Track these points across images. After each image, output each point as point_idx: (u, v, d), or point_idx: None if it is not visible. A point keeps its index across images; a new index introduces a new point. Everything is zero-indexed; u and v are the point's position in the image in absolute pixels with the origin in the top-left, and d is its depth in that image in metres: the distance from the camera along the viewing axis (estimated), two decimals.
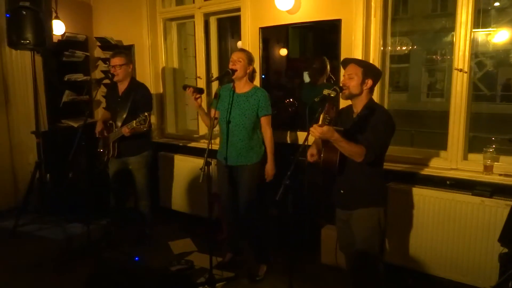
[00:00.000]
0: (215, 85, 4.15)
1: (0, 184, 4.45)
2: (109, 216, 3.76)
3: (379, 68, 2.76)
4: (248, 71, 2.93)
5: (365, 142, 2.12)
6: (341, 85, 2.25)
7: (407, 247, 2.92)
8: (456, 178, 2.81)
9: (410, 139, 7.29)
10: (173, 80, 4.67)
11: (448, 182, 2.83)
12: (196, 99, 2.90)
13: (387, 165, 2.58)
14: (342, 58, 2.98)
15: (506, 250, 2.35)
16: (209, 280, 2.86)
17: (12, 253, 3.52)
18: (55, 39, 4.10)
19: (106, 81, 3.59)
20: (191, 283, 2.90)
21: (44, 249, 3.57)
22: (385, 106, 3.13)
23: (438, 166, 2.95)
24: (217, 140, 3.86)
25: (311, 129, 2.02)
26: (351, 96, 2.26)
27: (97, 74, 4.97)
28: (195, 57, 4.30)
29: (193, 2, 4.24)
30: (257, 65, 3.42)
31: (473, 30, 2.77)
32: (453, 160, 2.90)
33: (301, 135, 3.45)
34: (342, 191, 2.35)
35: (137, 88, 3.46)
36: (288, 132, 3.51)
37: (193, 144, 4.27)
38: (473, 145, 2.99)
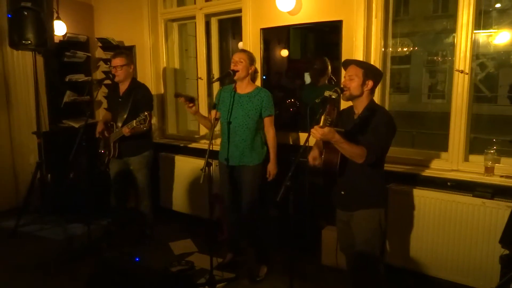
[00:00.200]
0: (216, 86, 4.16)
1: (1, 184, 4.46)
2: (109, 216, 3.77)
3: (380, 69, 2.75)
4: (250, 71, 2.93)
5: (366, 143, 2.12)
6: (342, 86, 2.25)
7: (408, 248, 2.91)
8: (457, 180, 2.80)
9: (411, 140, 7.28)
10: (174, 80, 4.67)
11: (449, 184, 2.83)
12: (189, 107, 2.89)
13: (388, 166, 2.58)
14: (343, 59, 2.98)
15: (507, 251, 2.35)
16: (210, 281, 2.86)
17: (13, 253, 3.52)
18: (56, 40, 4.10)
19: (107, 81, 3.60)
20: (191, 284, 2.90)
21: (45, 249, 3.58)
22: (386, 107, 3.13)
23: (439, 167, 2.95)
24: (218, 141, 3.88)
25: (312, 130, 2.02)
26: (351, 98, 2.26)
27: (98, 75, 4.98)
28: (196, 58, 4.30)
29: (195, 3, 4.24)
30: (258, 66, 3.42)
31: (474, 31, 2.77)
32: (454, 161, 2.89)
33: (302, 136, 3.45)
34: (342, 192, 2.35)
35: (137, 88, 3.46)
36: (289, 133, 3.51)
37: (194, 145, 4.27)
38: (474, 146, 2.99)
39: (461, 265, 2.71)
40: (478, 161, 2.82)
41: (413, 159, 3.06)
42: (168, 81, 4.61)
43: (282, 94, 3.55)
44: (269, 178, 2.98)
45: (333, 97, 2.11)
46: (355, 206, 2.31)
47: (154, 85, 4.47)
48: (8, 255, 3.48)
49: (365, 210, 2.28)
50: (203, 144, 4.16)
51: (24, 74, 4.38)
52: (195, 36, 4.29)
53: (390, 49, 3.22)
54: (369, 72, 2.24)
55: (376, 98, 2.90)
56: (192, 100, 2.90)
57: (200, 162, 3.77)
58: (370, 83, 2.23)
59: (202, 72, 4.22)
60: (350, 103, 2.36)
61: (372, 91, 2.27)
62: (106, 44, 4.67)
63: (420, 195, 2.85)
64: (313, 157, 2.32)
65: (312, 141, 2.36)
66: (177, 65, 4.66)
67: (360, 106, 2.28)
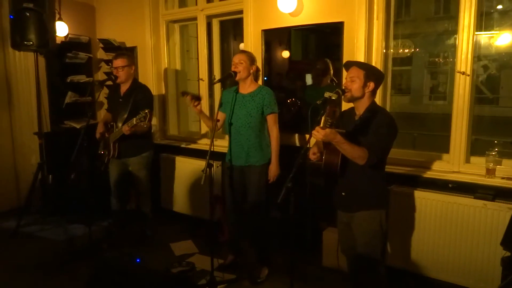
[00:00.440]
0: (217, 87, 4.16)
1: (3, 184, 4.47)
2: (110, 217, 3.76)
3: (382, 70, 2.75)
4: (251, 71, 2.94)
5: (367, 144, 2.11)
6: (343, 87, 2.25)
7: (409, 250, 2.91)
8: (458, 181, 2.80)
9: (412, 141, 7.28)
10: (176, 81, 4.68)
11: (450, 185, 2.83)
12: (195, 106, 2.91)
13: (389, 168, 2.57)
14: (344, 60, 2.98)
15: (508, 253, 2.34)
16: (210, 282, 2.86)
17: (14, 253, 3.53)
18: (58, 41, 4.11)
19: (109, 82, 3.60)
20: (192, 285, 2.90)
21: (46, 249, 3.58)
22: (387, 108, 3.13)
23: (440, 169, 2.94)
24: (219, 142, 3.89)
25: (314, 131, 2.02)
26: (353, 99, 2.26)
27: (100, 76, 4.99)
28: (198, 59, 4.31)
29: (196, 4, 4.25)
30: (259, 67, 3.43)
31: (476, 33, 2.77)
32: (455, 163, 2.89)
33: (303, 138, 3.45)
34: (343, 194, 2.35)
35: (138, 89, 3.46)
36: (291, 134, 3.51)
37: (195, 146, 4.27)
38: (476, 148, 2.98)
39: (462, 267, 2.70)
40: (479, 162, 2.82)
41: (414, 161, 3.06)
42: (169, 82, 4.62)
43: (283, 95, 3.56)
44: (270, 180, 2.97)
45: (333, 98, 2.11)
46: (355, 207, 2.30)
47: (155, 86, 4.48)
48: (9, 255, 3.49)
49: (365, 211, 2.28)
50: (204, 145, 4.16)
51: (26, 75, 4.39)
52: (197, 37, 4.30)
53: (392, 50, 3.22)
54: (371, 73, 2.24)
55: (378, 99, 2.89)
56: (198, 98, 2.92)
57: (201, 163, 3.79)
58: (371, 85, 2.23)
59: (203, 73, 4.22)
60: (351, 105, 2.36)
61: (373, 93, 2.27)
62: (108, 45, 4.68)
63: (421, 196, 2.84)
64: (313, 152, 2.31)
65: (312, 142, 2.36)
66: (178, 66, 4.67)
67: (361, 108, 2.28)
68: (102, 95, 4.68)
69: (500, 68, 14.70)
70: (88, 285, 2.47)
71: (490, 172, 2.71)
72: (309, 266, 3.22)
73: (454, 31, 2.94)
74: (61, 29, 4.36)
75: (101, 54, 4.94)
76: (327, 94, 2.12)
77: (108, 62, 4.73)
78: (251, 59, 2.94)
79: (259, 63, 3.49)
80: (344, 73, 2.41)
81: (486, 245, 2.60)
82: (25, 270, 3.21)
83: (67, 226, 4.01)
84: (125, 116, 3.33)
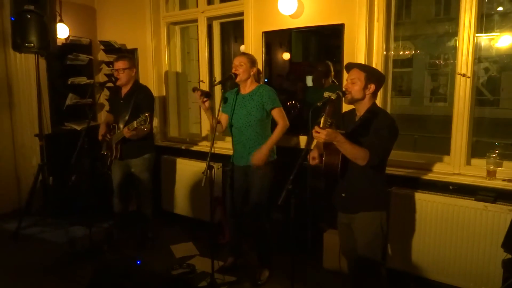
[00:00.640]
0: (218, 89, 4.16)
1: (4, 186, 4.47)
2: (111, 219, 3.76)
3: (382, 72, 2.76)
4: (251, 73, 2.94)
5: (368, 145, 2.11)
6: (343, 89, 2.25)
7: (410, 252, 2.90)
8: (459, 183, 2.80)
9: (413, 143, 7.28)
10: (176, 83, 4.68)
11: (451, 187, 2.82)
12: (203, 102, 2.91)
13: (389, 170, 2.57)
14: (345, 62, 2.99)
15: (509, 256, 2.34)
16: (211, 284, 2.86)
17: (14, 255, 3.53)
18: (59, 43, 4.12)
19: (110, 84, 3.60)
20: (192, 287, 2.90)
21: (46, 251, 3.58)
22: (388, 110, 3.13)
23: (441, 171, 2.94)
24: (220, 144, 3.89)
25: (314, 133, 2.02)
26: (353, 101, 2.26)
27: (101, 78, 4.99)
28: (198, 61, 4.31)
29: (197, 6, 4.25)
30: (260, 69, 3.44)
31: (476, 34, 2.77)
32: (456, 165, 2.89)
33: (304, 140, 3.45)
34: (343, 195, 2.34)
35: (139, 90, 3.47)
36: (291, 136, 3.51)
37: (195, 148, 4.27)
38: (476, 150, 2.98)
39: (463, 269, 2.70)
40: (480, 164, 2.82)
41: (415, 163, 3.05)
42: (170, 84, 4.62)
43: (284, 97, 3.55)
44: (252, 161, 2.90)
45: (332, 98, 2.11)
46: (356, 208, 2.30)
47: (156, 88, 4.48)
48: (9, 257, 3.49)
49: (366, 212, 2.28)
50: (204, 147, 4.17)
51: (27, 77, 4.39)
52: (197, 39, 4.30)
53: (392, 52, 3.22)
54: (371, 75, 2.24)
55: (378, 101, 2.89)
56: (208, 95, 2.92)
57: (201, 165, 3.79)
58: (372, 87, 2.23)
59: (204, 75, 4.23)
60: (352, 106, 2.36)
61: (374, 95, 2.27)
62: (109, 47, 4.69)
63: (422, 198, 2.84)
64: (313, 157, 2.31)
65: (313, 144, 2.36)
66: (179, 68, 4.67)
67: (362, 109, 2.28)
68: (102, 97, 4.68)
69: (500, 70, 14.71)
70: (88, 287, 2.47)
71: (491, 174, 2.70)
72: (309, 268, 3.21)
73: (455, 33, 2.94)
74: (62, 31, 4.37)
75: (101, 56, 4.95)
76: (326, 94, 2.12)
77: (109, 64, 4.74)
78: (252, 61, 2.94)
79: (260, 65, 3.49)
80: (345, 75, 2.41)
81: (487, 247, 2.60)
82: (25, 272, 3.21)
83: (68, 228, 4.01)
84: (127, 117, 3.34)
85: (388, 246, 2.96)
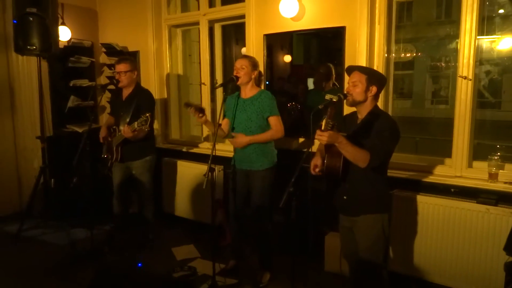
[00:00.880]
0: (219, 91, 4.17)
1: (5, 188, 4.47)
2: (112, 221, 3.77)
3: (384, 74, 2.75)
4: (253, 76, 2.94)
5: (369, 147, 2.11)
6: (345, 92, 2.25)
7: (411, 255, 2.90)
8: (461, 186, 2.79)
9: (414, 146, 7.26)
10: (178, 86, 4.69)
11: (452, 190, 2.82)
12: (200, 117, 2.91)
13: (391, 172, 2.57)
14: (346, 65, 2.99)
15: (511, 258, 2.33)
16: (212, 287, 2.85)
17: (16, 257, 3.53)
18: (61, 45, 4.13)
19: (111, 87, 3.62)
20: None
21: (48, 253, 3.58)
22: (389, 112, 3.13)
23: (442, 173, 2.94)
24: (221, 146, 3.89)
25: (317, 136, 2.02)
26: (355, 103, 2.26)
27: (102, 80, 5.00)
28: (200, 63, 4.32)
29: (198, 9, 4.27)
30: (261, 71, 3.44)
31: (478, 37, 2.77)
32: (457, 167, 2.88)
33: (305, 142, 3.45)
34: (345, 197, 2.34)
35: (141, 93, 3.48)
36: (292, 138, 3.51)
37: (197, 150, 4.28)
38: (478, 152, 2.97)
39: (465, 272, 2.69)
40: (482, 167, 2.81)
41: (416, 165, 3.05)
42: (171, 86, 4.63)
43: (285, 99, 3.56)
44: (231, 142, 2.92)
45: (334, 100, 2.12)
46: (357, 211, 2.29)
47: (157, 91, 4.49)
48: (10, 259, 3.49)
49: (368, 215, 2.27)
50: (206, 150, 4.17)
51: (29, 79, 4.41)
52: (199, 42, 4.31)
53: (393, 54, 3.22)
54: (373, 78, 2.24)
55: (380, 103, 2.89)
56: (202, 110, 2.92)
57: (203, 168, 3.78)
58: (373, 89, 2.23)
59: (206, 77, 4.23)
60: (354, 109, 2.36)
61: (376, 97, 2.27)
62: (110, 50, 4.70)
63: (424, 201, 2.83)
64: (314, 165, 2.29)
65: (314, 147, 2.36)
66: (180, 71, 4.68)
67: (364, 112, 2.28)
68: (104, 99, 4.69)
69: (502, 72, 14.70)
70: None
71: (492, 177, 2.70)
72: (311, 271, 3.21)
73: (456, 36, 2.94)
74: (64, 34, 4.38)
75: (103, 58, 4.96)
76: (328, 96, 2.13)
77: (110, 66, 4.75)
78: (253, 64, 2.94)
79: (261, 67, 3.49)
80: (346, 77, 2.41)
81: (489, 250, 2.59)
82: (26, 274, 3.21)
83: (69, 230, 4.01)
84: (128, 119, 3.34)
85: (390, 249, 2.95)
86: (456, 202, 2.72)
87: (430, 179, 2.92)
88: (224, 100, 3.00)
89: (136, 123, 3.06)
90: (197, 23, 4.26)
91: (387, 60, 3.16)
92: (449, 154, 2.95)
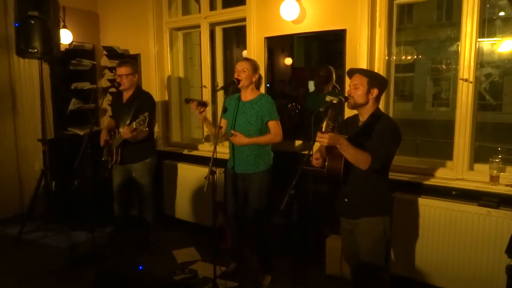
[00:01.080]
0: (220, 94, 4.18)
1: (6, 191, 4.48)
2: (113, 223, 3.76)
3: (384, 77, 2.76)
4: (253, 79, 2.95)
5: (371, 149, 2.11)
6: (346, 95, 2.25)
7: (413, 258, 2.89)
8: (462, 189, 2.79)
9: (415, 148, 7.26)
10: (179, 89, 4.69)
11: (454, 193, 2.82)
12: (200, 112, 2.91)
13: (392, 175, 2.56)
14: (347, 67, 2.99)
15: None
16: None
17: (17, 260, 3.53)
18: (62, 48, 4.15)
19: (112, 89, 3.62)
20: None
21: (49, 256, 3.58)
22: (390, 115, 3.13)
23: (443, 176, 2.93)
24: (222, 149, 3.89)
25: (318, 138, 2.02)
26: (356, 106, 2.26)
27: (104, 83, 5.01)
28: (201, 66, 4.33)
29: (199, 12, 4.28)
30: (262, 74, 3.44)
31: (478, 39, 2.77)
32: (458, 170, 2.88)
33: (306, 145, 3.45)
34: (346, 200, 2.34)
35: (141, 96, 3.48)
36: (293, 141, 3.51)
37: (198, 153, 4.28)
38: (479, 155, 2.97)
39: (467, 275, 2.68)
40: (483, 170, 2.81)
41: (417, 168, 3.05)
42: (172, 89, 4.64)
43: (286, 101, 3.57)
44: (232, 139, 2.91)
45: (334, 102, 2.12)
46: (359, 214, 2.29)
47: (158, 93, 4.50)
48: (11, 262, 3.49)
49: (369, 218, 2.27)
50: (207, 152, 4.17)
51: (30, 82, 4.42)
52: (200, 45, 4.32)
53: (394, 57, 3.23)
54: (374, 80, 2.25)
55: (381, 106, 2.88)
56: (204, 105, 2.93)
57: (203, 170, 3.79)
58: (375, 92, 2.23)
59: (207, 80, 4.24)
60: (355, 112, 2.36)
61: (377, 99, 2.28)
62: (112, 53, 4.72)
63: (425, 204, 2.83)
64: (316, 158, 2.30)
65: (315, 149, 2.36)
66: (181, 74, 4.69)
67: (365, 114, 2.28)
68: (105, 102, 4.70)
69: (503, 74, 14.70)
70: None
71: (494, 179, 2.69)
72: (311, 274, 3.20)
73: (457, 38, 2.95)
74: (66, 37, 4.40)
75: (104, 61, 4.97)
76: (328, 98, 2.13)
77: (111, 69, 4.76)
78: (254, 68, 2.94)
79: (262, 70, 3.50)
80: (347, 80, 2.41)
81: (491, 253, 2.58)
82: (27, 277, 3.20)
83: (70, 233, 4.01)
84: (128, 122, 3.34)
85: (391, 251, 2.94)
86: (458, 204, 2.72)
87: (431, 181, 2.91)
88: (224, 106, 3.00)
89: (134, 122, 3.06)
90: (198, 26, 4.28)
91: (388, 63, 3.16)
92: (450, 157, 2.95)
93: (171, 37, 4.56)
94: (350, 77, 2.33)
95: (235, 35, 5.14)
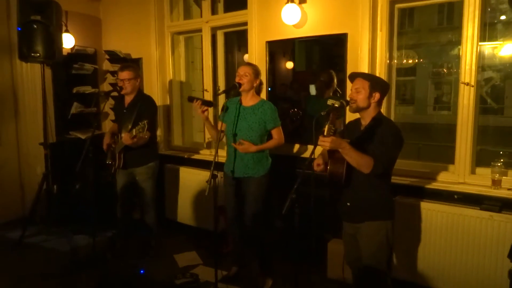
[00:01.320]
0: (222, 98, 4.18)
1: (8, 194, 4.49)
2: (115, 227, 3.76)
3: (386, 81, 2.76)
4: (254, 84, 2.95)
5: (373, 153, 2.11)
6: (348, 99, 2.26)
7: (415, 262, 2.88)
8: (464, 193, 2.78)
9: (417, 152, 7.24)
10: (180, 92, 4.71)
11: (456, 196, 2.81)
12: (203, 111, 2.91)
13: (394, 179, 2.56)
14: (348, 71, 3.00)
15: None
16: None
17: (18, 264, 3.53)
18: (64, 52, 4.16)
19: (114, 93, 3.63)
20: None
21: (50, 259, 3.58)
22: (392, 119, 3.12)
23: (445, 180, 2.93)
24: (223, 153, 3.88)
25: (320, 141, 2.02)
26: (358, 109, 2.26)
27: (105, 87, 5.03)
28: (202, 70, 4.34)
29: (201, 16, 4.29)
30: (263, 78, 3.44)
31: (480, 43, 2.77)
32: (460, 174, 2.87)
33: (307, 148, 3.45)
34: (348, 204, 2.33)
35: (142, 100, 3.49)
36: (294, 144, 3.51)
37: (199, 157, 4.28)
38: (481, 158, 2.96)
39: (469, 279, 2.67)
40: (485, 173, 2.80)
41: (419, 172, 3.04)
42: (174, 93, 4.65)
43: (287, 105, 3.57)
44: (238, 147, 2.89)
45: (336, 105, 2.12)
46: (361, 218, 2.29)
47: (160, 97, 4.51)
48: (13, 266, 3.49)
49: (371, 222, 2.27)
50: (208, 156, 4.17)
51: (33, 86, 4.44)
52: (201, 49, 4.33)
53: (395, 61, 3.23)
54: (376, 84, 2.25)
55: (382, 109, 2.88)
56: (210, 104, 2.93)
57: (205, 174, 3.78)
58: (377, 95, 2.23)
59: (208, 84, 4.25)
60: (357, 115, 2.37)
61: (379, 103, 2.28)
62: (114, 57, 4.73)
63: (427, 208, 2.82)
64: (317, 163, 2.32)
65: (317, 153, 2.36)
66: (183, 77, 4.70)
67: (367, 118, 2.28)
68: (107, 106, 4.71)
69: (504, 78, 14.68)
70: None
71: (496, 183, 2.69)
72: (313, 278, 3.19)
73: (458, 42, 2.95)
74: (68, 41, 4.42)
75: (106, 65, 4.99)
76: (330, 102, 2.14)
77: (113, 73, 4.78)
78: (256, 73, 2.95)
79: (263, 74, 3.50)
80: (348, 84, 2.42)
81: (493, 257, 2.57)
82: (28, 281, 3.20)
83: (71, 237, 4.01)
84: (130, 126, 3.35)
85: (393, 256, 2.93)
86: (460, 208, 2.71)
87: (433, 185, 2.91)
88: (224, 106, 3.00)
89: (134, 130, 3.07)
90: (199, 30, 4.29)
91: (389, 67, 3.16)
92: (452, 160, 2.94)
93: (172, 41, 4.58)
94: (351, 81, 2.33)
95: (237, 39, 5.15)
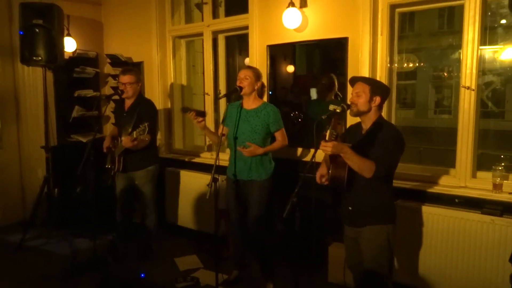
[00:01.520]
0: (223, 101, 4.19)
1: (9, 197, 4.49)
2: (115, 231, 3.76)
3: (387, 85, 2.76)
4: (256, 87, 2.96)
5: (375, 157, 2.11)
6: (349, 103, 2.26)
7: (416, 266, 2.87)
8: (465, 196, 2.78)
9: (418, 156, 7.23)
10: (181, 96, 4.72)
11: (457, 200, 2.80)
12: (199, 122, 2.93)
13: (395, 182, 2.55)
14: (348, 75, 3.01)
15: None
16: None
17: (19, 267, 3.53)
18: (66, 56, 4.17)
19: (116, 97, 3.64)
20: None
21: (50, 263, 3.58)
22: (393, 122, 3.12)
23: (446, 183, 2.92)
24: (224, 156, 3.89)
25: (321, 146, 2.02)
26: (359, 113, 2.27)
27: (107, 90, 5.04)
28: (203, 74, 4.35)
29: (202, 20, 4.31)
30: (264, 81, 3.46)
31: (480, 47, 2.77)
32: (461, 178, 2.87)
33: (307, 152, 3.45)
34: (350, 208, 2.33)
35: (143, 103, 3.50)
36: (295, 148, 3.51)
37: (200, 160, 4.28)
38: (482, 162, 2.96)
39: (470, 283, 2.66)
40: (486, 177, 2.80)
41: (420, 175, 3.04)
42: (175, 96, 4.66)
43: (288, 109, 3.57)
44: (244, 152, 2.89)
45: (338, 111, 2.13)
46: (362, 222, 2.29)
47: (161, 101, 4.52)
48: (13, 269, 3.49)
49: (373, 226, 2.26)
50: (209, 159, 4.17)
51: (34, 89, 4.45)
52: (203, 53, 4.35)
53: (396, 65, 3.24)
54: (376, 88, 2.26)
55: (383, 113, 2.89)
56: (203, 114, 2.93)
57: (206, 177, 3.79)
58: (377, 99, 2.24)
59: (209, 88, 4.26)
60: (358, 119, 2.37)
61: (380, 107, 2.28)
62: (115, 60, 4.75)
63: (428, 211, 2.82)
64: (321, 175, 2.31)
65: (318, 157, 2.36)
66: (184, 81, 4.71)
67: (368, 122, 2.28)
68: (108, 110, 4.72)
69: (505, 82, 14.68)
70: None
71: (497, 187, 2.68)
72: (314, 282, 3.18)
73: (459, 46, 2.95)
74: (69, 45, 4.44)
75: (108, 69, 5.01)
76: (331, 107, 2.14)
77: (115, 77, 4.79)
78: (257, 76, 2.96)
79: (264, 77, 3.51)
80: (349, 87, 2.42)
81: (494, 261, 2.57)
82: (29, 284, 3.20)
83: (72, 240, 4.01)
84: (130, 130, 3.36)
85: (395, 260, 2.93)
86: (461, 212, 2.71)
87: (434, 189, 2.91)
88: (225, 114, 3.01)
89: (134, 132, 3.07)
90: (201, 34, 4.30)
91: (390, 70, 3.17)
92: (453, 164, 2.94)
93: (174, 45, 4.59)
94: (352, 85, 2.34)
95: (238, 43, 5.16)
